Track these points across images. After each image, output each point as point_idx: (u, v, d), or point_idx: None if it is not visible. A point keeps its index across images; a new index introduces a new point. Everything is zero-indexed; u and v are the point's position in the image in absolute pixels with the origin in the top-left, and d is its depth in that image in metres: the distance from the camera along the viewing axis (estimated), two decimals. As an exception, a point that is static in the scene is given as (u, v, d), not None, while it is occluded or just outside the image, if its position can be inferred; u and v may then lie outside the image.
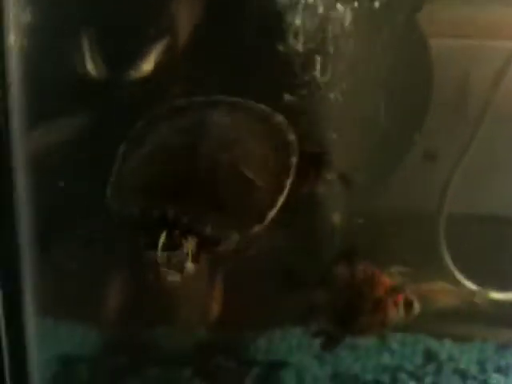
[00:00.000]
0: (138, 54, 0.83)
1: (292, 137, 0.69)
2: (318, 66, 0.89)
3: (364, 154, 0.97)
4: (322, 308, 0.95)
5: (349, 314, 0.89)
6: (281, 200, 0.66)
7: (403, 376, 0.97)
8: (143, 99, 0.84)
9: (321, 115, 0.93)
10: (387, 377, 0.97)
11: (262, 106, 0.71)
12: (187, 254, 0.62)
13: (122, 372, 0.98)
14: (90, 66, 0.83)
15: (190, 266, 0.63)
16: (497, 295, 1.09)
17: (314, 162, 0.78)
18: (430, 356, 1.04)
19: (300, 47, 0.88)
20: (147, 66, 0.83)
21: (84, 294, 0.99)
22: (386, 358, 1.02)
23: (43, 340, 0.85)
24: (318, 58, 0.89)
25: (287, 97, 0.87)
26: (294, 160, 0.68)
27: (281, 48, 0.87)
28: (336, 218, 0.98)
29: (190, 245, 0.62)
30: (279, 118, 0.71)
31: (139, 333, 1.09)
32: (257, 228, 0.65)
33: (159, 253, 0.61)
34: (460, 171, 1.08)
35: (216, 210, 0.63)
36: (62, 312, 0.96)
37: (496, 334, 1.11)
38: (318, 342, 1.09)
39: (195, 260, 0.63)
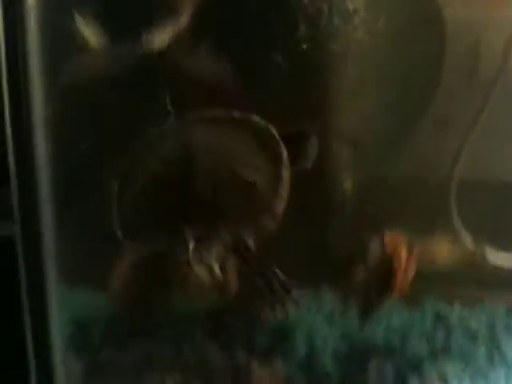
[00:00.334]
0: (149, 27, 0.82)
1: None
2: (325, 19, 0.89)
3: (375, 119, 0.97)
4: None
5: (382, 288, 0.90)
6: (285, 192, 0.67)
7: (413, 337, 0.98)
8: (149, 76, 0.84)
9: (329, 76, 0.93)
10: (397, 340, 0.98)
11: (248, 116, 0.71)
12: (216, 261, 0.63)
13: (134, 335, 0.99)
14: (87, 33, 0.82)
15: (218, 271, 0.64)
16: (506, 259, 1.10)
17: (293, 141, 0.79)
18: (440, 319, 1.05)
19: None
20: (159, 41, 0.82)
21: (98, 260, 1.01)
22: (396, 322, 1.03)
23: (60, 303, 0.87)
24: (325, 11, 0.88)
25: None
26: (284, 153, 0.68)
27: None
28: (348, 184, 0.99)
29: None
30: (263, 123, 0.71)
31: (153, 297, 1.10)
32: (272, 226, 0.66)
33: (190, 254, 0.61)
34: (471, 138, 1.08)
35: (230, 221, 0.64)
36: (76, 276, 0.97)
37: (506, 297, 1.12)
38: (327, 304, 1.11)
39: (223, 269, 0.64)
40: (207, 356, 0.93)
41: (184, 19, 0.83)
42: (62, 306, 0.90)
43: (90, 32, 0.81)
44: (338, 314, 1.06)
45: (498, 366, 0.91)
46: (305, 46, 0.88)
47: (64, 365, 0.85)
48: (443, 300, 1.10)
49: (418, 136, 1.07)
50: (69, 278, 0.90)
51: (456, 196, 1.07)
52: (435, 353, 0.94)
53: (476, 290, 1.11)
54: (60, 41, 0.78)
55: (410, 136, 1.05)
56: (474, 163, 1.08)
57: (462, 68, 1.08)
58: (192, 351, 0.94)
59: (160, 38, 0.80)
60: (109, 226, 0.86)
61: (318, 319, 1.05)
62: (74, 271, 0.90)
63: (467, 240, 1.08)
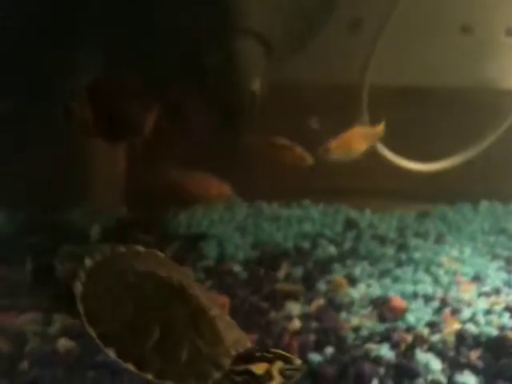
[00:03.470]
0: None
1: None
2: None
3: (283, 13, 0.93)
4: None
5: None
6: None
7: (323, 242, 0.97)
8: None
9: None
10: (307, 243, 0.97)
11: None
12: None
13: (38, 251, 0.95)
14: None
15: None
16: (417, 166, 1.10)
17: None
18: (350, 224, 1.04)
19: None
20: None
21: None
22: (307, 227, 1.02)
23: None
24: None
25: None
26: None
27: None
28: (255, 84, 0.95)
29: None
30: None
31: (57, 213, 1.06)
32: None
33: None
34: (382, 41, 1.06)
35: None
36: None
37: (416, 206, 1.13)
38: (240, 215, 1.09)
39: None
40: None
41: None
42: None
43: None
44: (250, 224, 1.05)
45: (405, 266, 0.91)
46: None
47: None
48: (354, 208, 1.10)
49: (330, 40, 1.04)
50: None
51: (367, 100, 1.05)
52: (344, 255, 0.94)
53: (387, 200, 1.12)
54: None
55: (321, 38, 1.02)
56: (385, 67, 1.07)
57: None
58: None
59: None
60: None
61: (229, 229, 1.03)
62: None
63: (379, 147, 1.07)
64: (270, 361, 0.55)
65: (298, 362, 0.56)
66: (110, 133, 0.89)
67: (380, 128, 0.97)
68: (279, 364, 0.55)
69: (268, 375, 0.55)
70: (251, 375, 0.56)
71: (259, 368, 0.55)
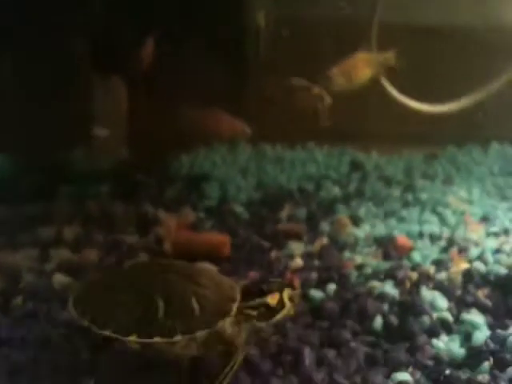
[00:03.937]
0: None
1: None
2: None
3: None
4: None
5: None
6: None
7: (327, 183, 0.95)
8: None
9: None
10: (311, 185, 0.95)
11: None
12: None
13: (36, 191, 0.93)
14: None
15: None
16: (426, 107, 1.07)
17: None
18: (355, 166, 1.01)
19: None
20: None
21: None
22: (312, 169, 1.00)
23: None
24: None
25: None
26: None
27: None
28: (259, 18, 0.91)
29: None
30: None
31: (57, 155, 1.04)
32: None
33: None
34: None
35: None
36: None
37: (424, 148, 1.10)
38: (243, 157, 1.07)
39: None
40: (111, 210, 0.88)
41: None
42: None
43: None
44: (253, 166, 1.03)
45: (411, 206, 0.89)
46: None
47: None
48: (360, 150, 1.08)
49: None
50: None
51: (377, 38, 1.01)
52: (348, 196, 0.91)
53: (395, 142, 1.09)
54: None
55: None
56: (396, 5, 1.03)
57: None
58: (95, 206, 0.89)
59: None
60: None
61: (232, 171, 1.01)
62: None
63: (387, 86, 1.04)
64: (279, 290, 0.58)
65: (297, 286, 0.60)
66: (107, 65, 0.86)
67: (386, 55, 0.93)
68: (287, 291, 0.58)
69: (280, 304, 0.58)
70: (267, 307, 0.58)
71: (273, 299, 0.58)
